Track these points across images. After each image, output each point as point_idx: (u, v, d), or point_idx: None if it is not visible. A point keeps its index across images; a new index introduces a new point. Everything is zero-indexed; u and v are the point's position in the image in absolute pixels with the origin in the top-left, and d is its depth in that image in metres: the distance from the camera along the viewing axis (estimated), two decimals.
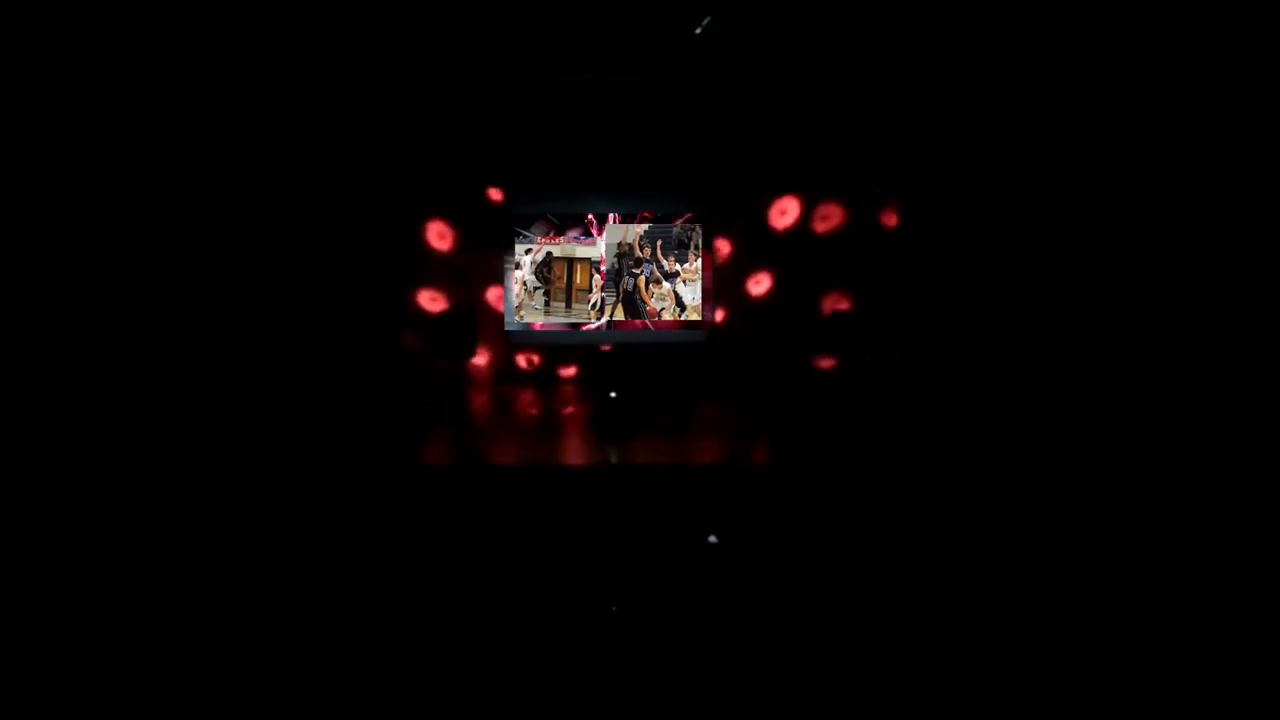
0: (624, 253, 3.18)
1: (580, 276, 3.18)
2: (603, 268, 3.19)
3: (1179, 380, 2.69)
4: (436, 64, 3.10)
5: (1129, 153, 2.82)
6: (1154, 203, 2.75)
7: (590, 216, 3.22)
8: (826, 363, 3.37)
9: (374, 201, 3.28)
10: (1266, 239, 2.52)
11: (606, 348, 3.23)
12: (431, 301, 3.36)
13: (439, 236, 3.36)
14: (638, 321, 3.20)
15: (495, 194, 3.32)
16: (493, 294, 3.35)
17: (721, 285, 3.35)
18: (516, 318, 3.24)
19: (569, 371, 3.47)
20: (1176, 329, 2.71)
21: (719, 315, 3.34)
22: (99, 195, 2.84)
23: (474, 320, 3.30)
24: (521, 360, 3.43)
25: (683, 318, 3.15)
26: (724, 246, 3.35)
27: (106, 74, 2.76)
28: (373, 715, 2.11)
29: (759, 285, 3.39)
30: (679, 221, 3.20)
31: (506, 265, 3.21)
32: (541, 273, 3.18)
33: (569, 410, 3.33)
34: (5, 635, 2.25)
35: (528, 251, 3.17)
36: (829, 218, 3.34)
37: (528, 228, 3.21)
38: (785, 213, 3.36)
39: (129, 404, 2.81)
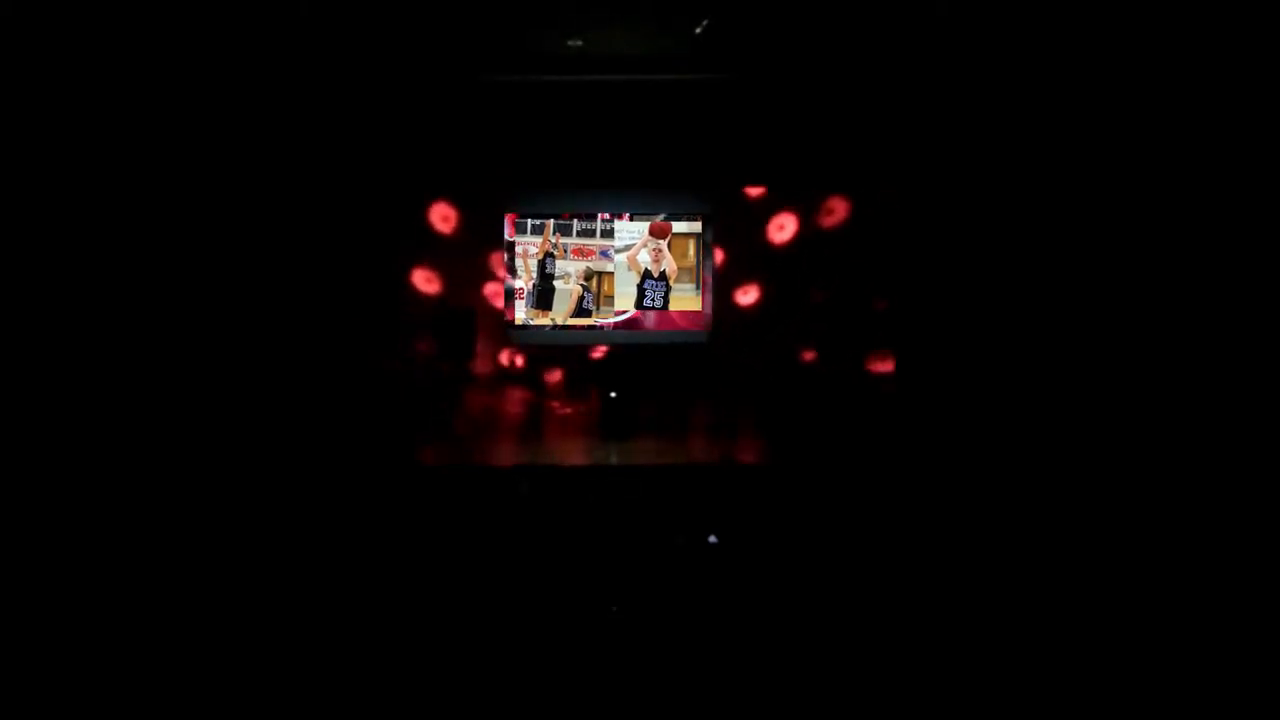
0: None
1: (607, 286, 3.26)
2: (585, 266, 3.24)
3: (1166, 381, 2.68)
4: (430, 65, 3.11)
5: (1124, 150, 2.81)
6: (1150, 202, 2.75)
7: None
8: (825, 362, 3.37)
9: (375, 201, 3.29)
10: (1262, 227, 2.51)
11: (599, 353, 3.30)
12: (432, 303, 3.37)
13: (440, 226, 3.37)
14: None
15: (496, 193, 3.33)
16: (495, 295, 3.35)
17: (722, 285, 3.35)
18: (517, 320, 3.24)
19: (569, 372, 3.47)
20: (1165, 328, 2.70)
21: (720, 314, 3.35)
22: (95, 196, 2.84)
23: (473, 322, 3.31)
24: (522, 361, 3.44)
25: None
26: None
27: (99, 76, 2.77)
28: (374, 714, 2.12)
29: (751, 293, 3.41)
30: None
31: (512, 258, 3.21)
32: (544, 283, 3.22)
33: (570, 410, 3.34)
34: (7, 633, 2.26)
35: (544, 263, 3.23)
36: (828, 215, 3.35)
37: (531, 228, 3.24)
38: (788, 203, 3.37)
39: (129, 405, 2.82)
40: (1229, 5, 2.47)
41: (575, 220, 3.24)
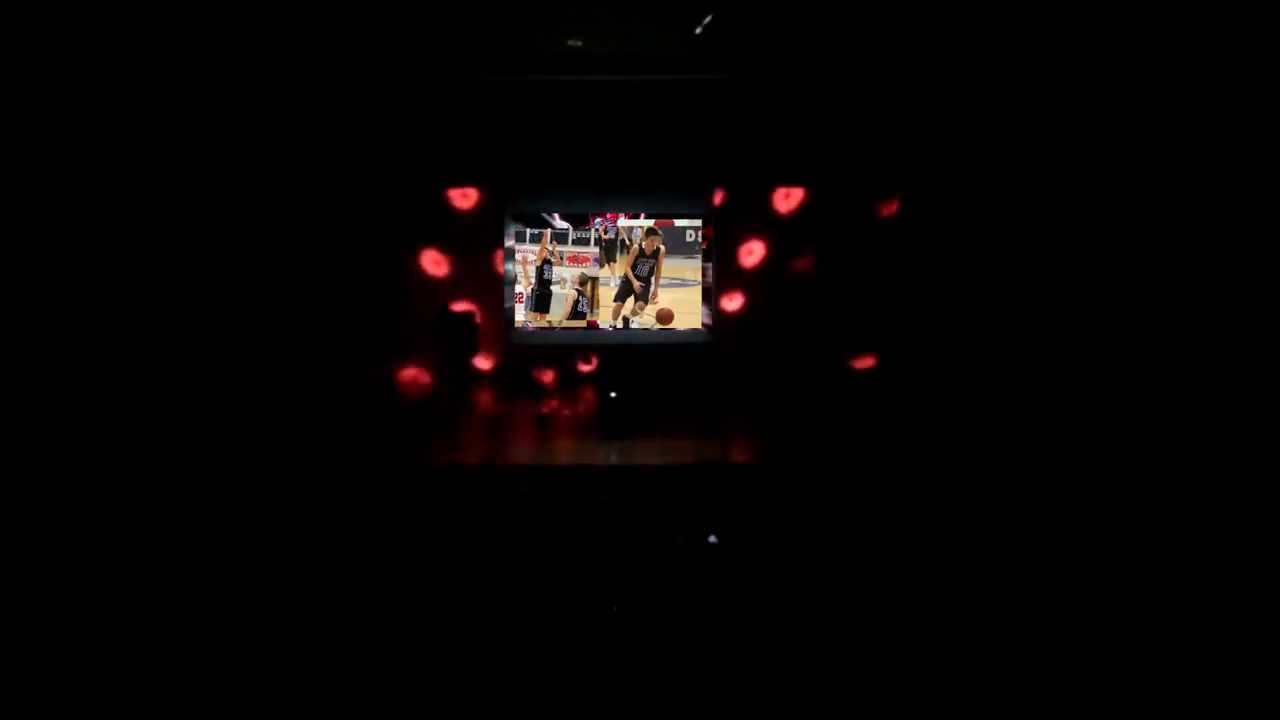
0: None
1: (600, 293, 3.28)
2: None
3: (1165, 385, 2.69)
4: (429, 66, 3.11)
5: (1124, 149, 2.81)
6: (1151, 203, 2.75)
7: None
8: (823, 362, 3.38)
9: (374, 202, 3.28)
10: (1263, 228, 2.51)
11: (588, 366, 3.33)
12: (434, 303, 3.36)
13: (438, 227, 3.36)
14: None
15: (495, 193, 3.33)
16: (494, 296, 3.35)
17: (722, 285, 3.35)
18: (517, 321, 3.24)
19: (569, 373, 3.47)
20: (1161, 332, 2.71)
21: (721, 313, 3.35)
22: (99, 198, 2.83)
23: (474, 322, 3.30)
24: (521, 362, 3.43)
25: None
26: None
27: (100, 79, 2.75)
28: (375, 715, 2.12)
29: (755, 287, 3.40)
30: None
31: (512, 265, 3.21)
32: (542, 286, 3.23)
33: (569, 410, 3.33)
34: (8, 634, 2.25)
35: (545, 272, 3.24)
36: (824, 213, 3.35)
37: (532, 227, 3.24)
38: (789, 197, 3.37)
39: (135, 408, 2.81)
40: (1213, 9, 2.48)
41: (570, 228, 3.26)
